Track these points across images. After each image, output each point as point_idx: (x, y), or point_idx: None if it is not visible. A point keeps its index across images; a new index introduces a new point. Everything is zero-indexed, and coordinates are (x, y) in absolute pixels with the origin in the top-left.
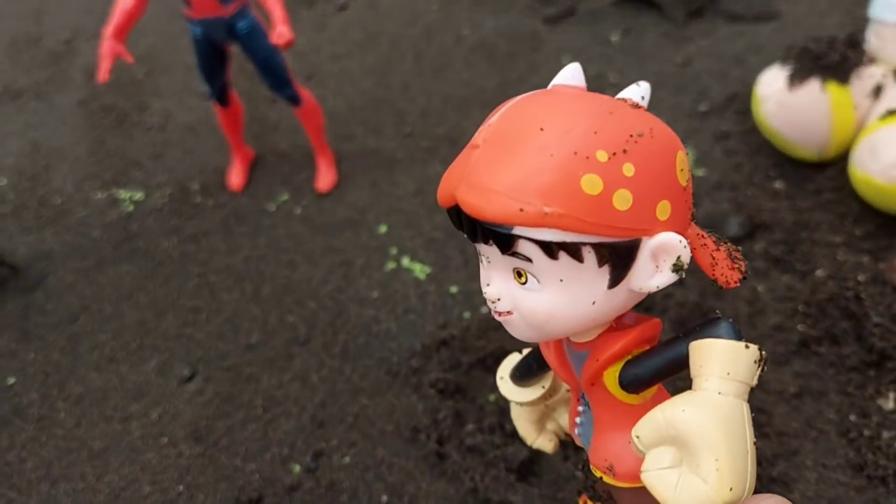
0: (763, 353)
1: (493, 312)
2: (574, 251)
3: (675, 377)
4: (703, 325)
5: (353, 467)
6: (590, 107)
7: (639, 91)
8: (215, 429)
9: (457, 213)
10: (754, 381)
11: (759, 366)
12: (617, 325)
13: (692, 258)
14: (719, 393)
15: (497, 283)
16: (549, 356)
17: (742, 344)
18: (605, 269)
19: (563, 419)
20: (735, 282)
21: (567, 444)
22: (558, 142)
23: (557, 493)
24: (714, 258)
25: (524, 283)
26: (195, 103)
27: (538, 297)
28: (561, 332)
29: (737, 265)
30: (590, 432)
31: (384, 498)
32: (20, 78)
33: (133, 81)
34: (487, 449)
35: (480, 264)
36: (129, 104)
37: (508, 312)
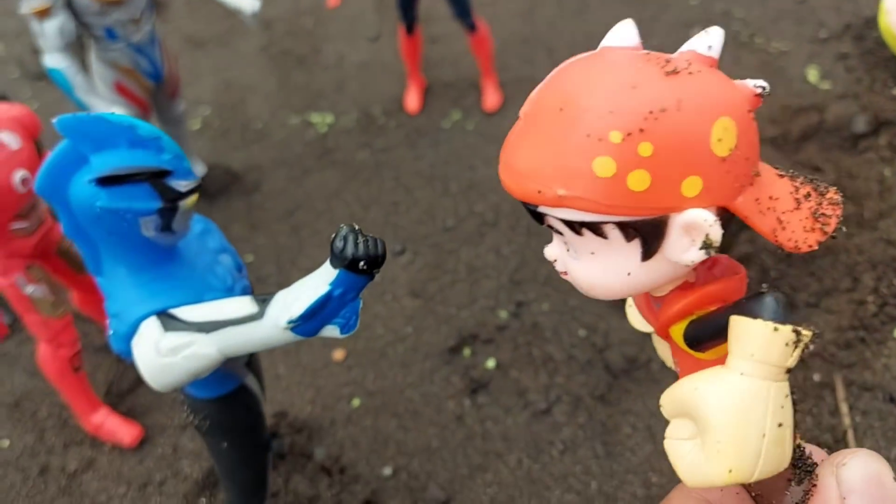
0: (802, 332)
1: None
2: (596, 229)
3: None
4: (749, 299)
5: (551, 312)
6: (613, 80)
7: (706, 40)
8: (429, 288)
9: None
10: (790, 363)
11: (794, 347)
12: (697, 279)
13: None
14: (741, 374)
15: (553, 246)
16: (640, 303)
17: (772, 326)
18: (636, 244)
19: None
20: (809, 245)
21: None
22: (572, 124)
23: None
24: (781, 221)
25: (570, 252)
26: (363, 46)
27: (577, 267)
28: (606, 297)
29: (820, 224)
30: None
31: (581, 333)
32: (201, 29)
33: (304, 30)
34: None
35: None
36: (304, 48)
37: (565, 273)
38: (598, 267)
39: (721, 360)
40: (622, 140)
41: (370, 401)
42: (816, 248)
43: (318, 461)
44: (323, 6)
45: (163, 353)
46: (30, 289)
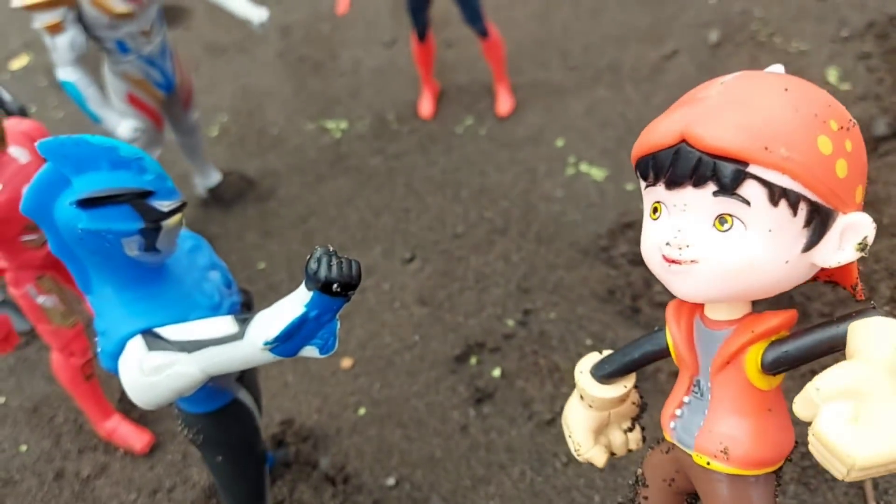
0: None
1: (667, 263)
2: (794, 202)
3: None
4: (859, 312)
5: (559, 321)
6: (817, 88)
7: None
8: (437, 296)
9: (674, 154)
10: None
11: None
12: (757, 311)
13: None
14: (893, 362)
15: (688, 229)
16: (678, 335)
17: None
18: (807, 231)
19: (614, 436)
20: (861, 294)
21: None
22: (803, 102)
23: None
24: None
25: (727, 230)
26: (379, 51)
27: (740, 244)
28: (744, 287)
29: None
30: (695, 421)
31: (588, 342)
32: (221, 37)
33: (321, 36)
34: None
35: (653, 219)
36: (321, 54)
37: (693, 261)
38: (767, 245)
39: (773, 393)
40: (838, 130)
41: (376, 410)
42: (862, 298)
43: (323, 470)
44: None
45: (146, 372)
46: (41, 299)
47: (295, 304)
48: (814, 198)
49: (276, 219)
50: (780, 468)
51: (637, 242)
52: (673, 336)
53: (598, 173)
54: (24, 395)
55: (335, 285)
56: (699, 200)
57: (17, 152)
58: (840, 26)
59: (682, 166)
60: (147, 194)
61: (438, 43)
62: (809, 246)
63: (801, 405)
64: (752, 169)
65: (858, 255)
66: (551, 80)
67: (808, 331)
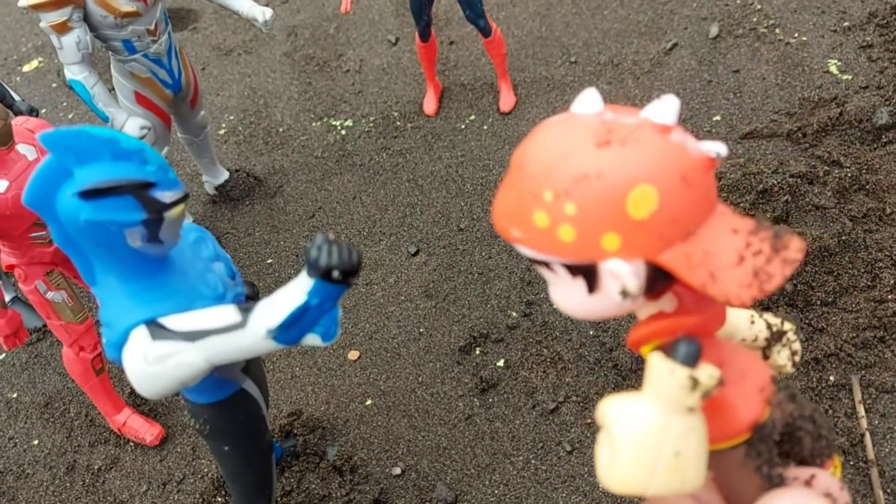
0: (699, 381)
1: None
2: (547, 265)
3: None
4: (674, 341)
5: (561, 312)
6: (554, 148)
7: (660, 108)
8: (442, 289)
9: None
10: (689, 402)
11: (690, 390)
12: (678, 309)
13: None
14: (644, 403)
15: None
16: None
17: (667, 367)
18: (580, 280)
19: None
20: (742, 300)
21: None
22: (522, 180)
23: None
24: (714, 276)
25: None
26: (384, 50)
27: (552, 290)
28: (578, 317)
29: (759, 281)
30: None
31: (591, 332)
32: (229, 37)
33: (326, 35)
34: None
35: None
36: (326, 54)
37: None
38: (562, 293)
39: None
40: (553, 199)
41: (383, 400)
42: (748, 304)
43: (331, 460)
44: None
45: (150, 362)
46: (50, 294)
47: (297, 292)
48: (555, 259)
49: (284, 215)
50: (752, 441)
51: None
52: None
53: None
54: (37, 389)
55: (336, 272)
56: None
57: (25, 150)
58: (841, 17)
59: None
60: (149, 185)
61: (441, 41)
62: (592, 289)
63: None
64: (513, 243)
65: (624, 300)
66: (553, 76)
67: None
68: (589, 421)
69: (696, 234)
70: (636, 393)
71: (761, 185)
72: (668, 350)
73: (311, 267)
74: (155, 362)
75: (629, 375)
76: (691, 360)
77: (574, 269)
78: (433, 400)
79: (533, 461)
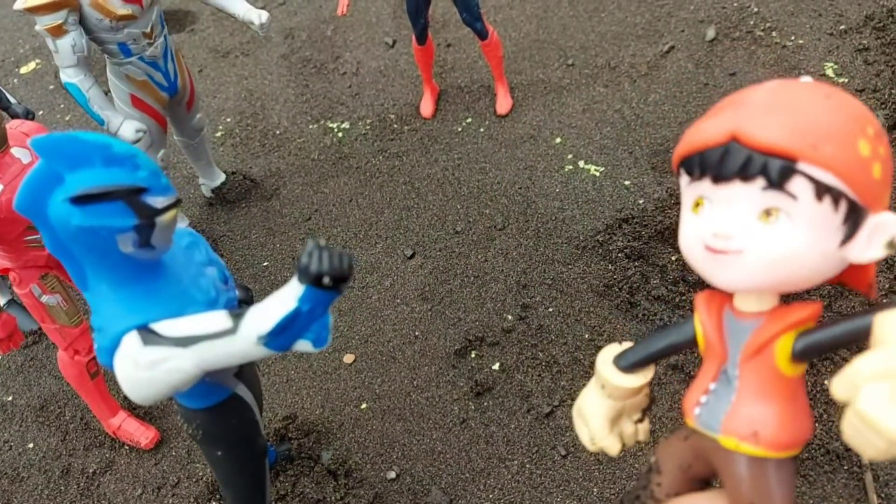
0: None
1: (711, 253)
2: (836, 199)
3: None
4: (883, 306)
5: (557, 315)
6: (850, 97)
7: None
8: (438, 292)
9: (725, 150)
10: None
11: None
12: (785, 301)
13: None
14: None
15: (733, 220)
16: (709, 325)
17: None
18: (844, 227)
19: (625, 427)
20: (875, 293)
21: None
22: (844, 109)
23: None
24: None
25: (772, 223)
26: (381, 52)
27: (784, 236)
28: (785, 278)
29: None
30: (721, 407)
31: (586, 335)
32: (226, 40)
33: (323, 38)
34: (673, 297)
35: (694, 213)
36: (323, 56)
37: (738, 251)
38: (808, 238)
39: (798, 380)
40: (873, 135)
41: (378, 404)
42: (874, 297)
43: (325, 464)
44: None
45: (142, 368)
46: (45, 298)
47: (287, 298)
48: (853, 196)
49: (280, 217)
50: (799, 454)
51: (634, 237)
52: (703, 325)
53: (595, 170)
54: (32, 393)
55: (326, 278)
56: (746, 194)
57: (20, 153)
58: (838, 20)
59: (732, 163)
60: (141, 191)
61: (438, 44)
62: (844, 241)
63: (841, 386)
64: (800, 166)
65: (888, 252)
66: (549, 78)
67: (836, 321)
68: None
69: None
70: (885, 348)
71: None
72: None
73: (301, 273)
74: (146, 368)
75: None
76: None
77: (853, 212)
78: (428, 404)
79: (528, 465)
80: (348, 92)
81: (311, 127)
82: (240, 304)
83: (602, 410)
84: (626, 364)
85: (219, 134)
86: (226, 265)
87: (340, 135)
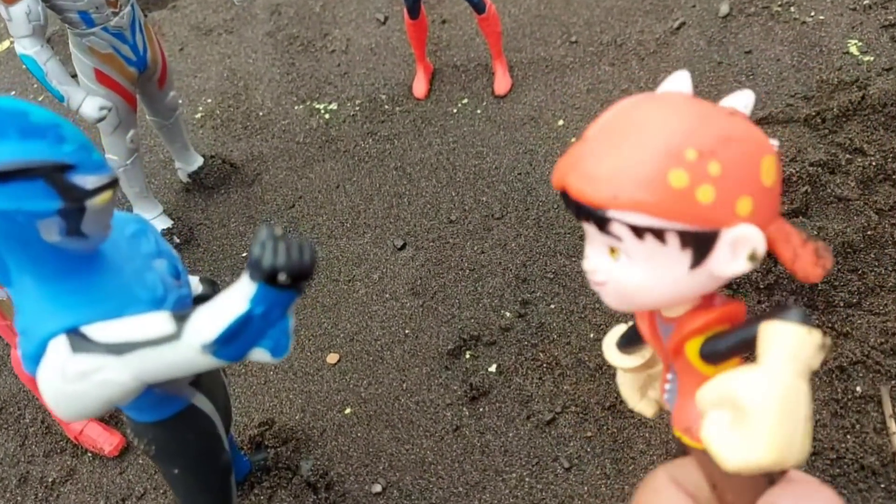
0: (826, 339)
1: (590, 283)
2: (659, 234)
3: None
4: (774, 310)
5: (559, 312)
6: (688, 110)
7: (742, 99)
8: (430, 286)
9: (565, 197)
10: (816, 364)
11: (821, 350)
12: (704, 304)
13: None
14: (782, 371)
15: (594, 257)
16: (643, 326)
17: (807, 329)
18: (688, 252)
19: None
20: (816, 277)
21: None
22: (654, 140)
23: None
24: (797, 253)
25: (616, 259)
26: (372, 29)
27: (628, 272)
28: (647, 304)
29: (821, 262)
30: (673, 399)
31: (591, 335)
32: (209, 17)
33: (311, 14)
34: None
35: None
36: (311, 33)
37: (601, 284)
38: (650, 272)
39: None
40: (696, 158)
41: (363, 409)
42: (819, 280)
43: (304, 476)
44: None
45: (69, 379)
46: None
47: (238, 298)
48: (679, 227)
49: (261, 205)
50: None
51: None
52: (640, 327)
53: None
54: None
55: (283, 275)
56: (594, 233)
57: None
58: None
59: (571, 209)
60: (65, 168)
61: (432, 20)
62: (696, 263)
63: (698, 407)
64: (609, 213)
65: (751, 264)
66: (552, 56)
67: (737, 328)
68: (589, 434)
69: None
70: (750, 365)
71: None
72: (777, 318)
73: (253, 268)
74: (75, 379)
75: None
76: (809, 322)
77: (690, 238)
78: (418, 409)
79: (527, 478)
80: (337, 71)
81: (296, 108)
82: (195, 303)
83: (628, 381)
84: (622, 344)
85: (198, 115)
86: (203, 255)
87: (328, 116)
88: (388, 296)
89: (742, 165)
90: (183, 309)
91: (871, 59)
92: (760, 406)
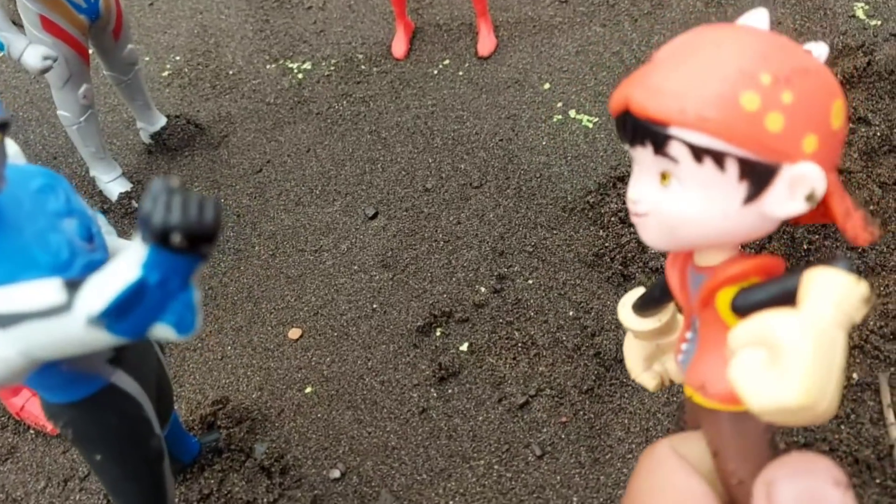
0: (872, 294)
1: (631, 214)
2: (719, 159)
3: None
4: (820, 261)
5: (538, 288)
6: (767, 38)
7: (816, 48)
8: (402, 258)
9: (623, 118)
10: (858, 318)
11: (866, 304)
12: (742, 254)
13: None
14: (822, 317)
15: (641, 184)
16: (672, 275)
17: (855, 278)
18: (744, 184)
19: (669, 364)
20: (864, 241)
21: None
22: (729, 59)
23: None
24: (849, 212)
25: (667, 186)
26: None
27: (676, 199)
28: (689, 239)
29: (870, 228)
30: (689, 356)
31: (571, 313)
32: None
33: None
34: None
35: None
36: None
37: (644, 214)
38: (701, 200)
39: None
40: (770, 83)
41: (325, 388)
42: (865, 244)
43: (258, 459)
44: None
45: None
46: None
47: (128, 263)
48: (742, 153)
49: (227, 168)
50: None
51: None
52: (669, 278)
53: (588, 120)
54: None
55: (177, 235)
56: (647, 159)
57: None
58: None
59: (628, 130)
60: None
61: None
62: (751, 198)
63: (728, 349)
64: (672, 130)
65: (808, 206)
66: (539, 16)
67: (775, 279)
68: (564, 419)
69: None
70: (792, 310)
71: None
72: (823, 266)
73: (143, 227)
74: None
75: (613, 365)
76: (858, 275)
77: (752, 168)
78: (383, 389)
79: (496, 466)
80: (312, 28)
81: (268, 67)
82: None
83: (635, 349)
84: (638, 307)
85: (165, 74)
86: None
87: (301, 76)
88: (356, 268)
89: (815, 101)
90: (71, 279)
91: (878, 23)
92: (798, 346)
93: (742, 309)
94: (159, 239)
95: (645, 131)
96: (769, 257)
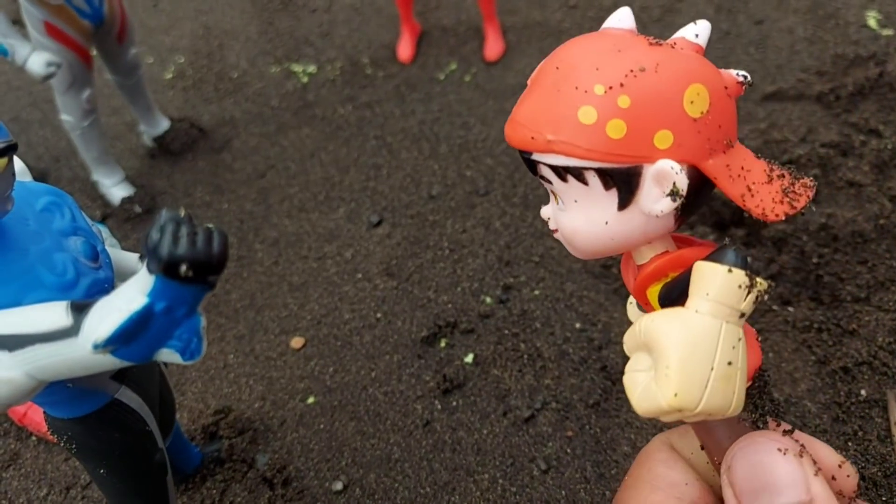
0: (756, 280)
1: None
2: (578, 175)
3: None
4: (712, 252)
5: (544, 299)
6: (602, 47)
7: (694, 29)
8: (406, 267)
9: None
10: (742, 306)
11: (747, 291)
12: (677, 248)
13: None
14: (696, 311)
15: (548, 205)
16: (626, 276)
17: (725, 268)
18: (612, 192)
19: None
20: (776, 215)
21: None
22: (564, 79)
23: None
24: (751, 189)
25: (558, 204)
26: None
27: (565, 217)
28: (587, 250)
29: (789, 199)
30: None
31: (577, 325)
32: None
33: None
34: None
35: None
36: None
37: (554, 231)
38: (580, 215)
39: None
40: (604, 92)
41: (327, 399)
42: (783, 218)
43: (261, 470)
44: None
45: None
46: None
47: (135, 291)
48: (596, 165)
49: (230, 173)
50: (751, 389)
51: None
52: (624, 279)
53: None
54: None
55: (184, 266)
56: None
57: None
58: None
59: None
60: None
61: None
62: (625, 203)
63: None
64: (534, 156)
65: (673, 202)
66: (548, 21)
67: (685, 272)
68: (570, 433)
69: (734, 147)
70: (675, 307)
71: (786, 156)
72: (707, 258)
73: (150, 257)
74: None
75: (620, 379)
76: (743, 263)
77: (611, 177)
78: (387, 400)
79: (500, 480)
80: (317, 31)
81: (272, 70)
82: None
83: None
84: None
85: (168, 76)
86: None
87: (305, 80)
88: (360, 276)
89: (657, 97)
90: (99, 295)
91: (891, 33)
92: (665, 345)
93: (664, 302)
94: (166, 270)
95: (523, 159)
96: (689, 249)
